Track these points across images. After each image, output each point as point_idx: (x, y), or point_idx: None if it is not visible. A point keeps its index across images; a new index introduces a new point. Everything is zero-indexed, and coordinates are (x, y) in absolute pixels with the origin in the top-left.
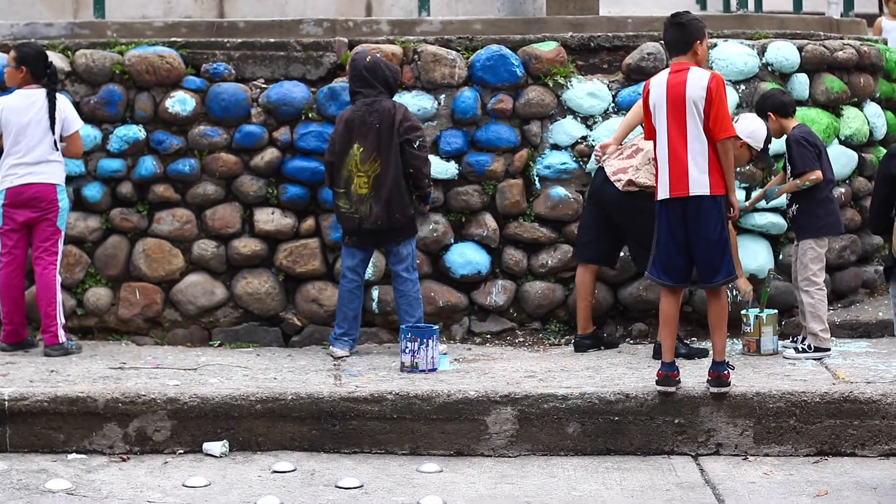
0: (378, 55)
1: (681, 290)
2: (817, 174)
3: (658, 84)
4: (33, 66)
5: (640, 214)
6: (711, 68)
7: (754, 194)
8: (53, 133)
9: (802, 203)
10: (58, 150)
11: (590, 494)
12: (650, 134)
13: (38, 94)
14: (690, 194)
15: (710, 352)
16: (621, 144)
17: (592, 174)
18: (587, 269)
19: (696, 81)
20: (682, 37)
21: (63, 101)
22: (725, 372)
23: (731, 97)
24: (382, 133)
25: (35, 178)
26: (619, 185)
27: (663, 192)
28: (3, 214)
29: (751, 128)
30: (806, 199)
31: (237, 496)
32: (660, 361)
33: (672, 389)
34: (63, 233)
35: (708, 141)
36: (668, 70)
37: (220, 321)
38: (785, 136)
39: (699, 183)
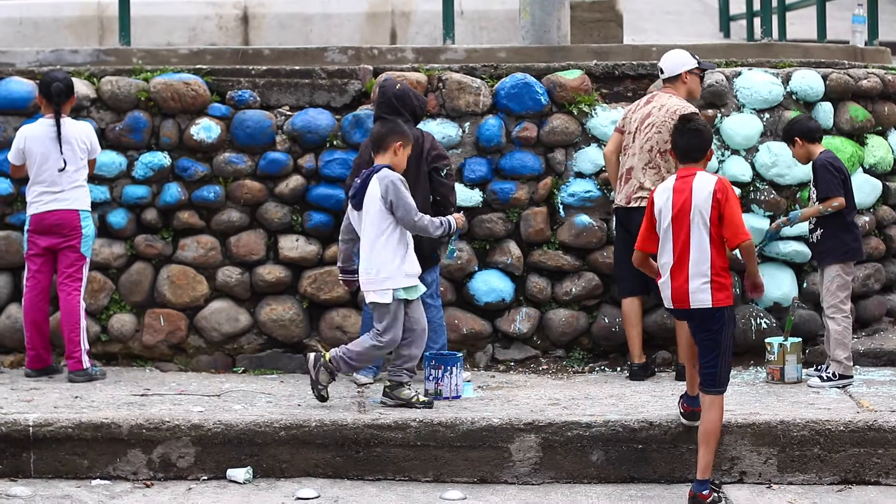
0: (406, 84)
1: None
2: (840, 200)
3: (664, 191)
4: (43, 92)
5: None
6: (742, 107)
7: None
8: (62, 153)
9: (828, 228)
10: (79, 173)
11: None
12: (645, 244)
13: (52, 122)
14: (692, 307)
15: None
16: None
17: (614, 206)
18: (631, 298)
19: (703, 191)
20: (700, 143)
21: (87, 127)
22: (706, 492)
23: (756, 125)
24: (410, 161)
25: (58, 204)
26: (643, 204)
27: (667, 303)
28: (28, 240)
29: (672, 60)
30: (831, 224)
31: None
32: (683, 386)
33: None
34: (88, 259)
35: (712, 252)
36: (673, 178)
37: (244, 348)
38: (811, 162)
39: (701, 299)
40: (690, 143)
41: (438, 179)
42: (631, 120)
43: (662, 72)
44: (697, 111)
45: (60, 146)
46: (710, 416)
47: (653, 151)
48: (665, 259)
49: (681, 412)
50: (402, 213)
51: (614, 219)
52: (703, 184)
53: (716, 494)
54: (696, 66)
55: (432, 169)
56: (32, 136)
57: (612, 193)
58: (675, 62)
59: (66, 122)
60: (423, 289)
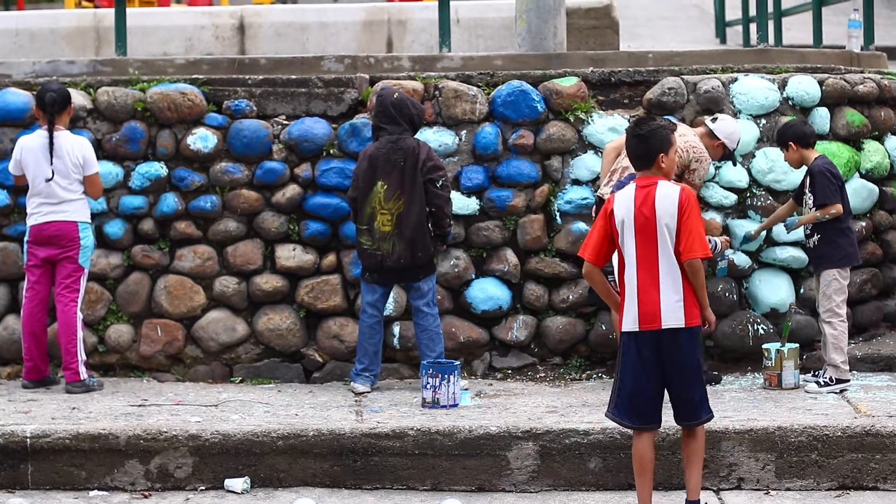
0: (403, 92)
1: (654, 430)
2: (838, 208)
3: (623, 201)
4: (38, 103)
5: None
6: (738, 113)
7: (776, 229)
8: (51, 163)
9: (824, 234)
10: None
11: None
12: (598, 255)
13: (55, 135)
14: (663, 328)
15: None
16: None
17: (596, 196)
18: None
19: (665, 201)
20: (645, 150)
21: (82, 142)
22: None
23: (752, 131)
24: (406, 171)
25: (57, 216)
26: None
27: (630, 324)
28: (27, 251)
29: (729, 129)
30: (827, 229)
31: None
32: None
33: None
34: (86, 270)
35: (681, 267)
36: (632, 186)
37: (242, 357)
38: (805, 167)
39: (673, 316)
40: (635, 149)
41: (434, 191)
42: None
43: (714, 120)
44: (697, 148)
45: (51, 157)
46: (695, 442)
47: None
48: (630, 276)
49: None
50: None
51: (594, 213)
52: (666, 194)
53: None
54: (731, 150)
55: (427, 180)
56: (27, 147)
57: (598, 186)
58: (726, 131)
59: (61, 134)
60: None
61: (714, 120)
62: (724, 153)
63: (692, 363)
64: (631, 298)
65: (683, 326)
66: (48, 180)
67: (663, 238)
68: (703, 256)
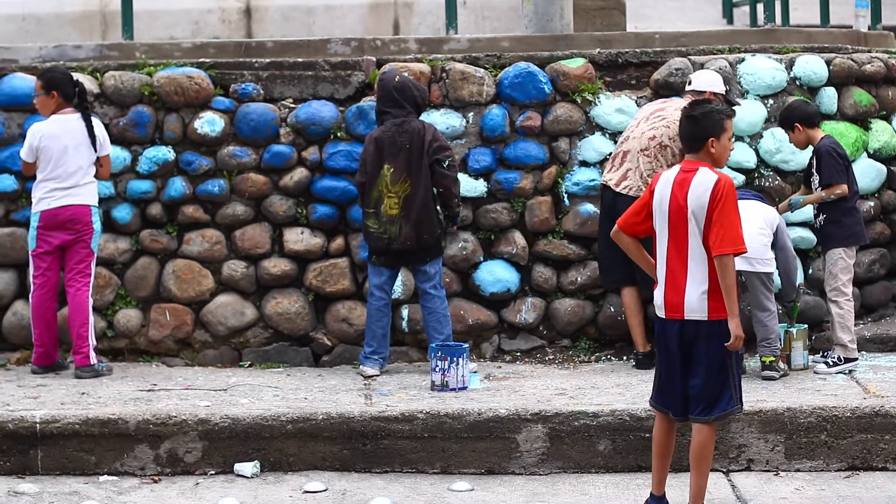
0: (406, 75)
1: (675, 425)
2: (843, 188)
3: (665, 183)
4: (63, 89)
5: None
6: (745, 93)
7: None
8: (96, 151)
9: (830, 213)
10: (92, 168)
11: None
12: (630, 225)
13: (73, 119)
14: (686, 318)
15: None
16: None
17: (601, 184)
18: (628, 288)
19: (699, 189)
20: (696, 133)
21: (97, 123)
22: None
23: (760, 112)
24: (413, 154)
25: (72, 199)
26: (630, 193)
27: (658, 309)
28: (38, 237)
29: (707, 78)
30: (834, 209)
31: None
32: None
33: None
34: (96, 254)
35: (709, 258)
36: (677, 168)
37: (251, 342)
38: (811, 147)
39: (696, 308)
40: (686, 130)
41: (440, 171)
42: (644, 111)
43: (690, 83)
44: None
45: (94, 142)
46: (705, 439)
47: (654, 140)
48: (660, 260)
49: None
50: None
51: (600, 200)
52: (701, 181)
53: None
54: (724, 92)
55: (434, 161)
56: (49, 134)
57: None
58: (706, 81)
59: (76, 117)
60: None
61: (690, 83)
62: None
63: (714, 358)
64: (660, 283)
65: (706, 319)
66: (95, 163)
67: (693, 227)
68: (734, 252)
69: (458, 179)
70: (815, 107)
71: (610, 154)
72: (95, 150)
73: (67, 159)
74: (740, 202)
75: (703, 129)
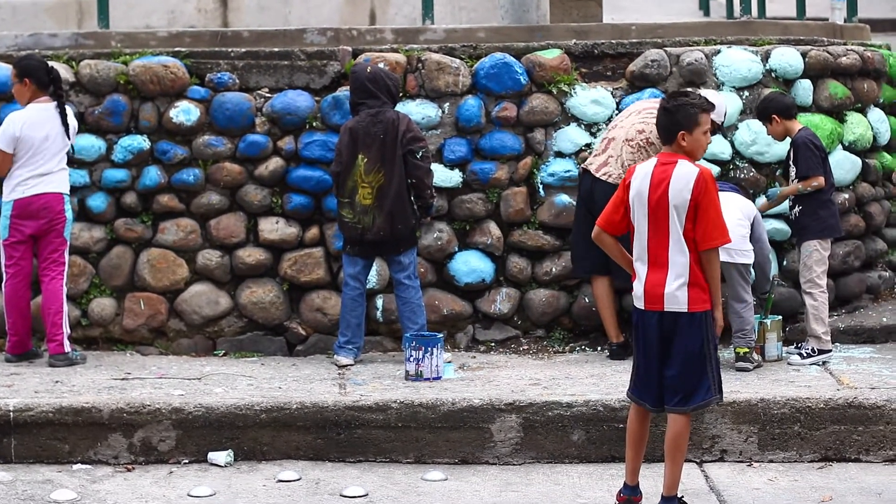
0: (378, 65)
1: (650, 416)
2: (820, 180)
3: (643, 175)
4: (36, 77)
5: None
6: (721, 85)
7: (759, 201)
8: (70, 139)
9: (806, 205)
10: (66, 159)
11: (595, 501)
12: (611, 223)
13: (50, 107)
14: (665, 310)
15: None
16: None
17: (581, 168)
18: (599, 278)
19: (680, 182)
20: (668, 125)
21: (70, 113)
22: None
23: (735, 104)
24: (387, 144)
25: (45, 187)
26: (609, 180)
27: (637, 300)
28: (11, 226)
29: (717, 102)
30: (809, 201)
31: None
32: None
33: None
34: (69, 243)
35: (689, 249)
36: (654, 161)
37: (225, 331)
38: (789, 139)
39: (676, 299)
40: (660, 121)
41: (414, 162)
42: (636, 105)
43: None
44: (691, 102)
45: (67, 130)
46: (680, 429)
47: (642, 134)
48: (639, 252)
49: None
50: None
51: (578, 185)
52: (682, 175)
53: None
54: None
55: (407, 151)
56: (30, 122)
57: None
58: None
59: (52, 106)
60: None
61: None
62: (713, 128)
63: (691, 349)
64: (639, 275)
65: (685, 311)
66: (69, 153)
67: (673, 220)
68: (721, 244)
69: (431, 170)
70: (791, 98)
71: (586, 145)
72: (69, 139)
73: (46, 148)
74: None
75: (675, 121)
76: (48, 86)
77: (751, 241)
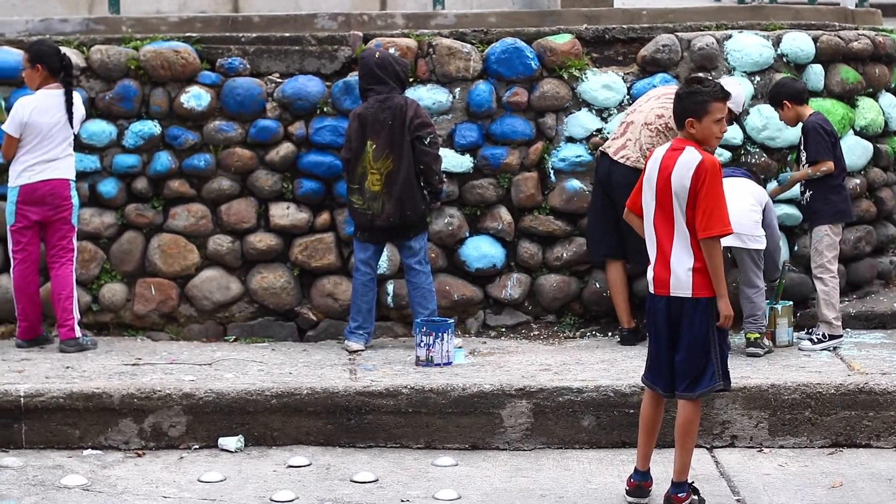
0: (388, 50)
1: (663, 401)
2: (829, 165)
3: (655, 159)
4: (48, 63)
5: None
6: (732, 70)
7: (770, 186)
8: (73, 126)
9: (817, 190)
10: (72, 143)
11: (605, 487)
12: (635, 207)
13: (59, 94)
14: (671, 295)
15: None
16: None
17: (599, 151)
18: (613, 263)
19: (682, 169)
20: (678, 111)
21: (79, 100)
22: (683, 495)
23: (746, 88)
24: (395, 130)
25: (52, 173)
26: (627, 163)
27: (649, 284)
28: (17, 212)
29: (732, 93)
30: (820, 186)
31: (252, 491)
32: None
33: (644, 501)
34: (77, 229)
35: (693, 236)
36: (668, 145)
37: (236, 316)
38: (801, 124)
39: (682, 283)
40: (674, 107)
41: (422, 148)
42: (656, 91)
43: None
44: (703, 90)
45: (71, 116)
46: (690, 414)
47: (661, 119)
48: (649, 237)
49: (626, 489)
50: None
51: (596, 169)
52: (686, 161)
53: (694, 497)
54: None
55: (415, 137)
56: (39, 108)
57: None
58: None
59: (62, 92)
60: None
61: None
62: (730, 117)
63: (697, 335)
64: (651, 259)
65: (690, 296)
66: (70, 142)
67: (676, 206)
68: (720, 234)
69: (439, 156)
70: (802, 84)
71: (597, 130)
72: (72, 126)
73: (55, 134)
74: (730, 179)
75: (684, 108)
76: (59, 72)
77: (762, 227)
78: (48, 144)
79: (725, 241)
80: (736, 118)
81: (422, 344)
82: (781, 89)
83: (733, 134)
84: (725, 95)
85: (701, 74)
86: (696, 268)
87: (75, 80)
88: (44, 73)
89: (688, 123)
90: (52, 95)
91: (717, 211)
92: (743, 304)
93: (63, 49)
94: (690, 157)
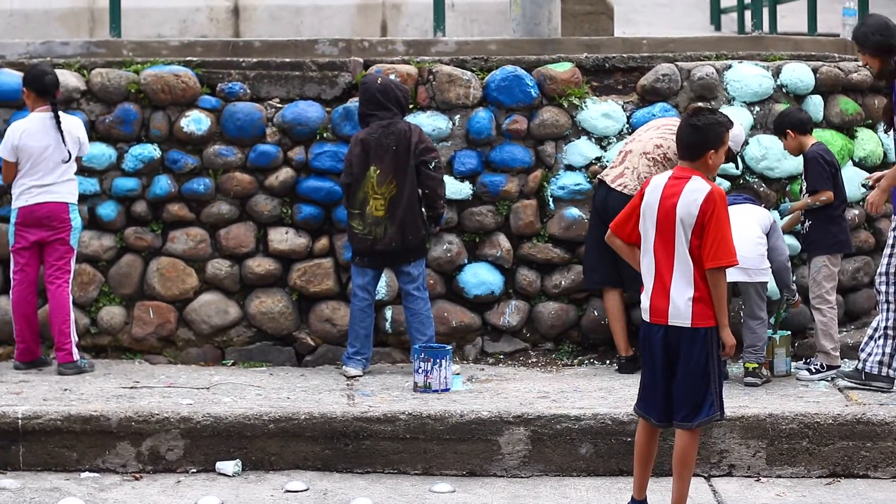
0: (388, 76)
1: (658, 431)
2: (829, 195)
3: (655, 188)
4: (34, 85)
5: None
6: (732, 100)
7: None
8: (66, 144)
9: (816, 220)
10: (72, 166)
11: None
12: (622, 229)
13: (49, 116)
14: (669, 324)
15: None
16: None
17: (597, 179)
18: (611, 291)
19: (689, 197)
20: (697, 142)
21: (79, 123)
22: None
23: (746, 119)
24: (399, 155)
25: (48, 196)
26: (625, 191)
27: (643, 312)
28: (16, 233)
29: (734, 132)
30: (819, 216)
31: None
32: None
33: None
34: (76, 251)
35: (695, 265)
36: (668, 174)
37: (234, 340)
38: (802, 154)
39: (680, 313)
40: (687, 138)
41: (427, 172)
42: (655, 122)
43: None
44: (719, 121)
45: (63, 138)
46: (687, 446)
47: (660, 149)
48: (647, 265)
49: None
50: None
51: (593, 197)
52: (694, 190)
53: None
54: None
55: (420, 162)
56: (29, 131)
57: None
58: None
59: (63, 114)
60: None
61: None
62: (728, 155)
63: (696, 365)
64: (646, 288)
65: (689, 326)
66: (65, 161)
67: (680, 234)
68: (727, 265)
69: (443, 181)
70: (806, 114)
71: (596, 159)
72: (65, 144)
73: (46, 157)
74: (735, 207)
75: (704, 139)
76: (46, 94)
77: (767, 245)
78: (42, 167)
79: (732, 277)
80: (734, 157)
81: (420, 370)
82: (785, 119)
83: (732, 164)
84: (732, 124)
85: (702, 104)
86: (695, 297)
87: (75, 103)
88: (32, 96)
89: (708, 154)
90: (40, 118)
91: (724, 242)
92: (745, 335)
93: (62, 72)
94: (699, 187)
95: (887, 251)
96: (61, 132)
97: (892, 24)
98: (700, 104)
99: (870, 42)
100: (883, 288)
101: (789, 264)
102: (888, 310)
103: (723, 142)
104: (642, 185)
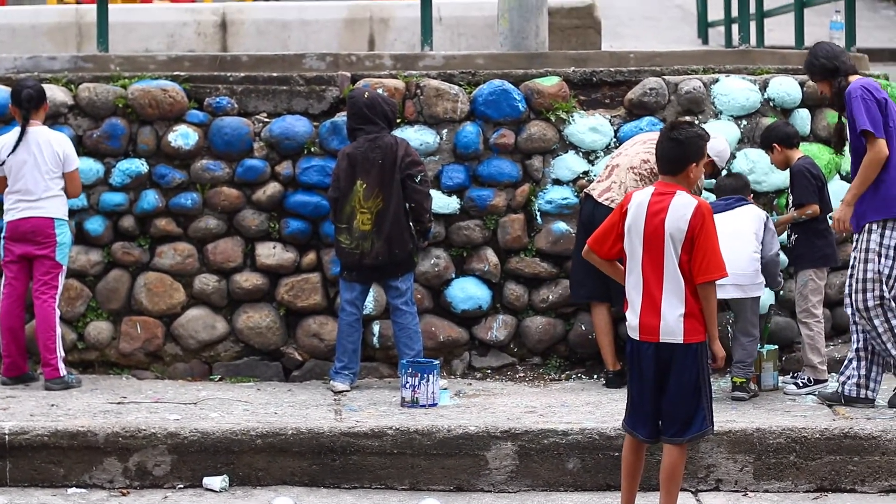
0: (375, 90)
1: (645, 446)
2: (814, 208)
3: (639, 204)
4: (13, 100)
5: None
6: (719, 114)
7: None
8: (46, 162)
9: (802, 234)
10: (57, 182)
11: None
12: (601, 246)
13: (31, 131)
14: (661, 341)
15: None
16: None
17: (584, 193)
18: (598, 306)
19: (678, 213)
20: (678, 156)
21: (62, 138)
22: None
23: (733, 133)
24: (385, 169)
25: (33, 212)
26: (612, 205)
27: (631, 331)
28: (4, 247)
29: (719, 147)
30: (805, 230)
31: None
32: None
33: None
34: (64, 267)
35: (685, 280)
36: (651, 189)
37: (221, 355)
38: (789, 168)
39: (672, 330)
40: (668, 152)
41: (413, 186)
42: (641, 136)
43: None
44: (698, 134)
45: (13, 150)
46: (675, 460)
47: (646, 164)
48: (634, 282)
49: None
50: None
51: (580, 211)
52: (681, 205)
53: None
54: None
55: (406, 176)
56: (7, 146)
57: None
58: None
59: (39, 129)
60: None
61: None
62: (713, 171)
63: (688, 380)
64: (633, 306)
65: (681, 342)
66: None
67: (669, 251)
68: (718, 278)
69: (430, 195)
70: (793, 128)
71: (583, 173)
72: (46, 162)
73: (27, 172)
74: (729, 213)
75: (685, 153)
76: (21, 108)
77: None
78: (22, 182)
79: (728, 294)
80: (719, 173)
81: (407, 385)
82: (771, 133)
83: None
84: (709, 136)
85: (688, 118)
86: (686, 313)
87: (62, 118)
88: (14, 110)
89: (690, 168)
90: (15, 133)
91: (713, 256)
92: (734, 350)
93: (49, 87)
94: (686, 202)
95: (850, 272)
96: (17, 145)
97: (838, 48)
98: (687, 118)
99: (815, 68)
100: (849, 310)
101: (779, 259)
102: (857, 331)
103: (703, 154)
104: (621, 202)
